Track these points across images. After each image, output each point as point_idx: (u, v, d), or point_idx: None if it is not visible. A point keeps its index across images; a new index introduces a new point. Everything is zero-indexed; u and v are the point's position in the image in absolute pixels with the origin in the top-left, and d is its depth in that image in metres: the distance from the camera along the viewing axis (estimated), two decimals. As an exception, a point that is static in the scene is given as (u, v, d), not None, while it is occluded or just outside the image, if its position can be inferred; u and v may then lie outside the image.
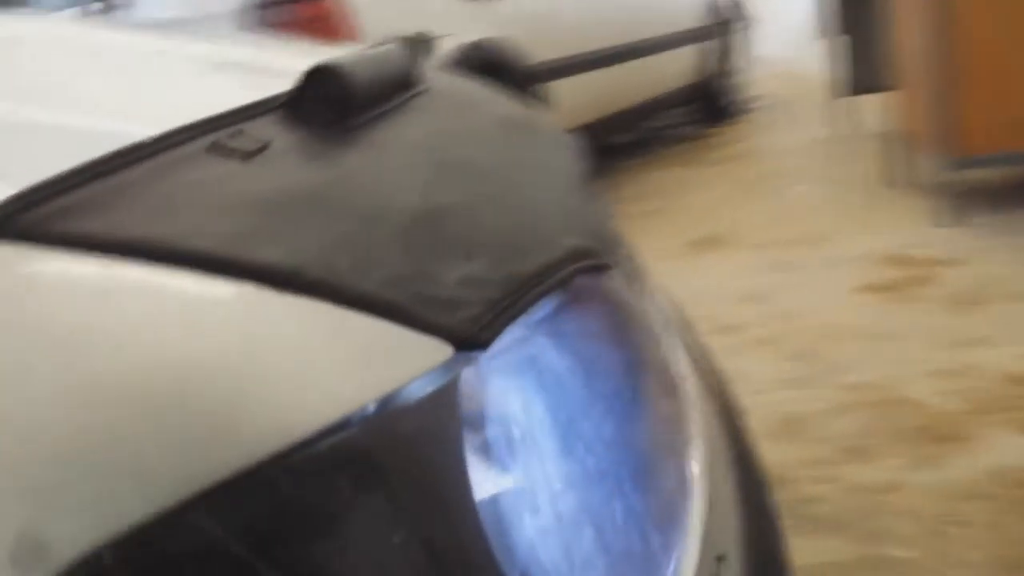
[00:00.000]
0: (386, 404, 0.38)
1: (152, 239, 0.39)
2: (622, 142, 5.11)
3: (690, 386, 0.70)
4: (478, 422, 0.42)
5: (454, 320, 0.41)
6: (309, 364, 0.37)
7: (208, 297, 0.38)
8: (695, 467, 0.58)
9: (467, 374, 0.41)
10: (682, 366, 0.71)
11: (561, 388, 0.47)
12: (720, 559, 0.54)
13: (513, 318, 0.44)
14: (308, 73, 0.59)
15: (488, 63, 3.33)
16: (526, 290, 0.47)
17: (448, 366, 0.40)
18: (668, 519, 0.49)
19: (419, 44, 1.13)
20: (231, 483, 0.34)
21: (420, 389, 0.39)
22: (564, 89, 3.82)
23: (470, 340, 0.41)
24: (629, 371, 0.55)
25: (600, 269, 0.60)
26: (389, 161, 0.57)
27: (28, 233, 0.37)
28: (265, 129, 0.53)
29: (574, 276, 0.54)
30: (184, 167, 0.46)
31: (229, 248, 0.40)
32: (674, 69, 4.90)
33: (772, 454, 1.79)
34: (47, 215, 0.38)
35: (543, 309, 0.50)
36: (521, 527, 0.41)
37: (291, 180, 0.48)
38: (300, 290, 0.39)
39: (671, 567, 0.47)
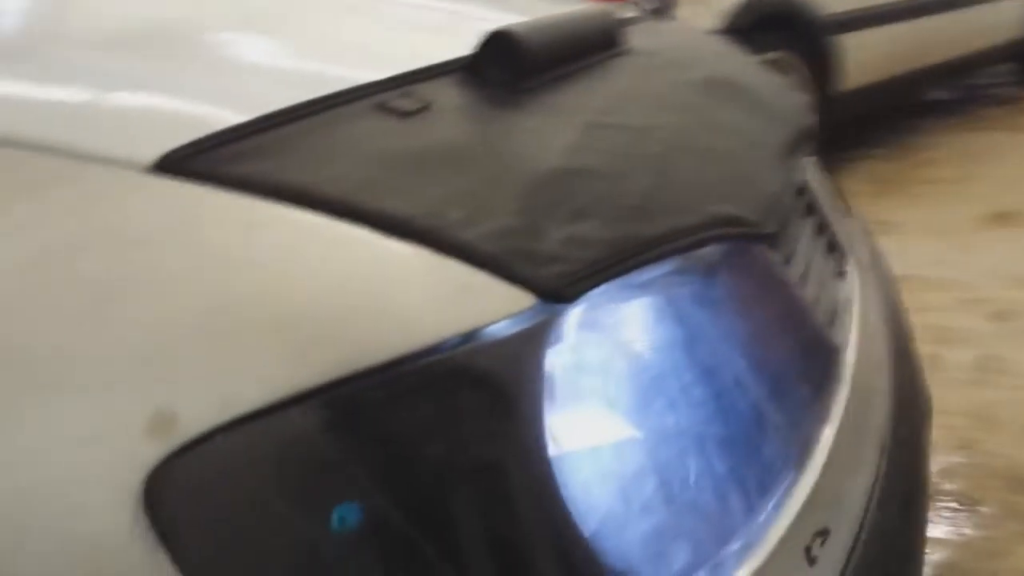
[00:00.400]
0: (468, 339, 0.43)
1: (295, 184, 0.46)
2: (936, 99, 4.72)
3: (855, 372, 0.69)
4: (558, 367, 0.46)
5: (543, 274, 0.46)
6: (407, 299, 0.44)
7: (334, 236, 0.45)
8: (816, 446, 0.58)
9: (552, 322, 0.46)
10: (848, 351, 0.70)
11: (654, 348, 0.50)
12: (821, 534, 0.55)
13: (607, 278, 0.48)
14: (486, 39, 0.64)
15: (777, 15, 3.21)
16: (633, 252, 0.50)
17: (530, 314, 0.45)
18: (755, 488, 0.51)
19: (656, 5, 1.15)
20: (330, 385, 0.41)
21: (502, 330, 0.44)
22: (868, 41, 3.59)
23: (555, 293, 0.46)
24: (749, 342, 0.56)
25: (746, 238, 0.61)
26: (544, 123, 0.61)
27: (200, 173, 0.46)
28: (434, 90, 0.60)
29: (703, 243, 0.56)
30: (348, 123, 0.54)
31: (357, 196, 0.47)
32: (996, 22, 4.43)
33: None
34: (219, 158, 0.47)
35: (655, 271, 0.53)
36: (582, 469, 0.45)
37: (435, 138, 0.54)
38: (408, 236, 0.45)
39: (744, 530, 0.49)
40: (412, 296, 0.44)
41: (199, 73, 0.61)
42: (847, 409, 0.65)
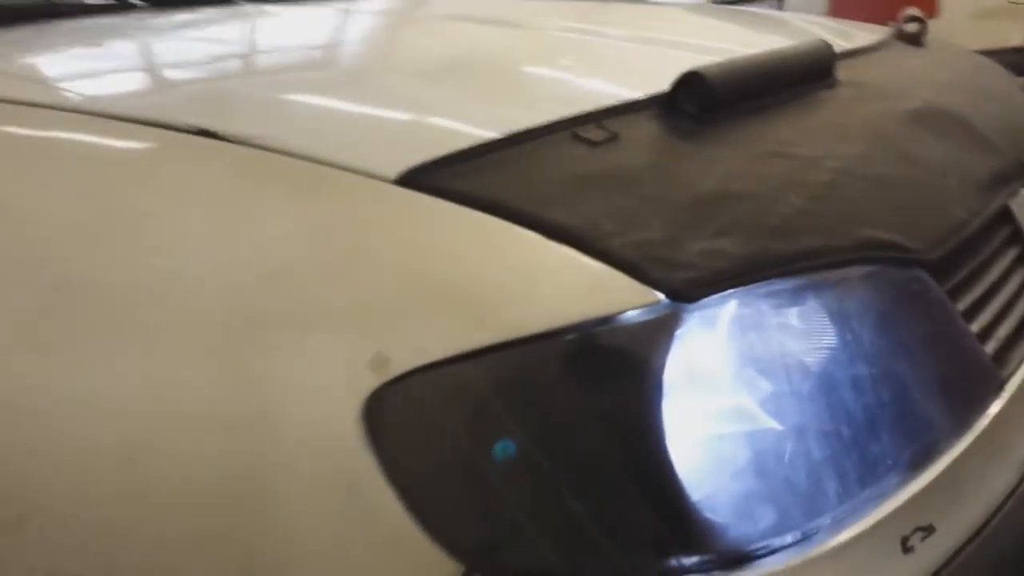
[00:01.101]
0: (598, 323, 0.56)
1: (495, 198, 0.61)
2: None
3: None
4: (680, 355, 0.57)
5: (670, 277, 0.57)
6: (556, 288, 0.57)
7: (513, 237, 0.60)
8: (941, 454, 0.64)
9: (676, 316, 0.57)
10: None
11: (770, 356, 0.60)
12: (925, 530, 0.61)
13: (731, 286, 0.58)
14: (679, 78, 0.76)
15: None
16: (763, 267, 0.60)
17: (655, 309, 0.57)
18: (856, 477, 0.59)
19: (906, 32, 1.19)
20: (496, 347, 0.55)
21: (628, 319, 0.56)
22: None
23: (679, 294, 0.57)
24: (879, 358, 0.64)
25: (896, 263, 0.68)
26: (717, 152, 0.72)
27: (426, 186, 0.62)
28: (625, 123, 0.73)
29: (841, 264, 0.64)
30: (547, 149, 0.68)
31: (537, 208, 0.61)
32: None
33: None
34: (442, 175, 0.63)
35: (789, 285, 0.62)
36: (688, 437, 0.56)
37: (612, 163, 0.67)
38: (567, 241, 0.59)
39: (841, 511, 0.58)
40: (561, 287, 0.57)
41: (449, 101, 0.79)
42: (991, 429, 0.69)
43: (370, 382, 0.56)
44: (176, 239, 0.64)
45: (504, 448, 0.58)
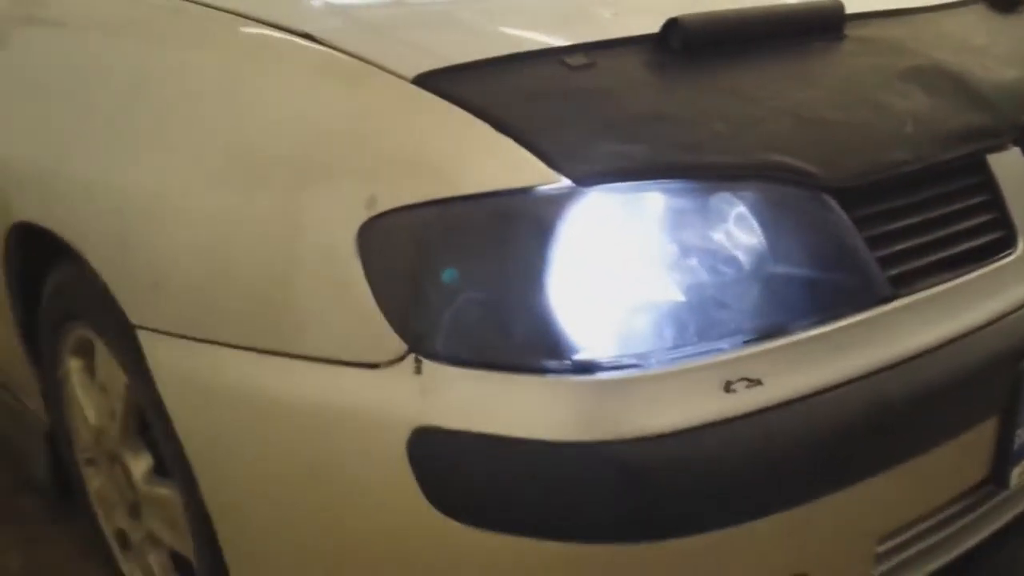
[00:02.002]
0: (517, 192, 0.79)
1: (477, 101, 0.85)
2: None
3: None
4: (573, 225, 0.80)
5: (573, 166, 0.79)
6: (493, 165, 0.81)
7: (472, 128, 0.83)
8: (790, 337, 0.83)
9: (572, 196, 0.79)
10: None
11: (651, 234, 0.81)
12: (752, 381, 0.80)
13: (623, 180, 0.80)
14: (667, 22, 0.95)
15: None
16: (655, 173, 0.81)
17: (559, 188, 0.79)
18: (697, 327, 0.80)
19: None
20: (439, 201, 0.81)
21: (538, 192, 0.79)
22: None
23: (578, 179, 0.79)
24: (743, 253, 0.83)
25: (796, 185, 0.86)
26: (670, 84, 0.91)
27: (434, 87, 0.87)
28: (609, 55, 0.93)
29: (735, 179, 0.83)
30: (532, 68, 0.91)
31: (500, 110, 0.84)
32: None
33: None
34: (447, 81, 0.88)
35: (676, 186, 0.82)
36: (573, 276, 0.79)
37: (578, 83, 0.88)
38: (509, 134, 0.82)
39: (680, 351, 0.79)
40: (498, 165, 0.81)
41: (471, 24, 1.02)
42: (861, 325, 0.86)
43: (364, 215, 0.83)
44: (264, 105, 0.94)
45: (451, 275, 0.83)
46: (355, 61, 0.93)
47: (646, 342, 0.80)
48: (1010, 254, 1.02)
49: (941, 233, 0.97)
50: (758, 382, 0.81)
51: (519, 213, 0.80)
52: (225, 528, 1.01)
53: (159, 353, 1.00)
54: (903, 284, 0.92)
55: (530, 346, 0.80)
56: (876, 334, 0.88)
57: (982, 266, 0.99)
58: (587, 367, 0.79)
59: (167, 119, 1.03)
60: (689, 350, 0.81)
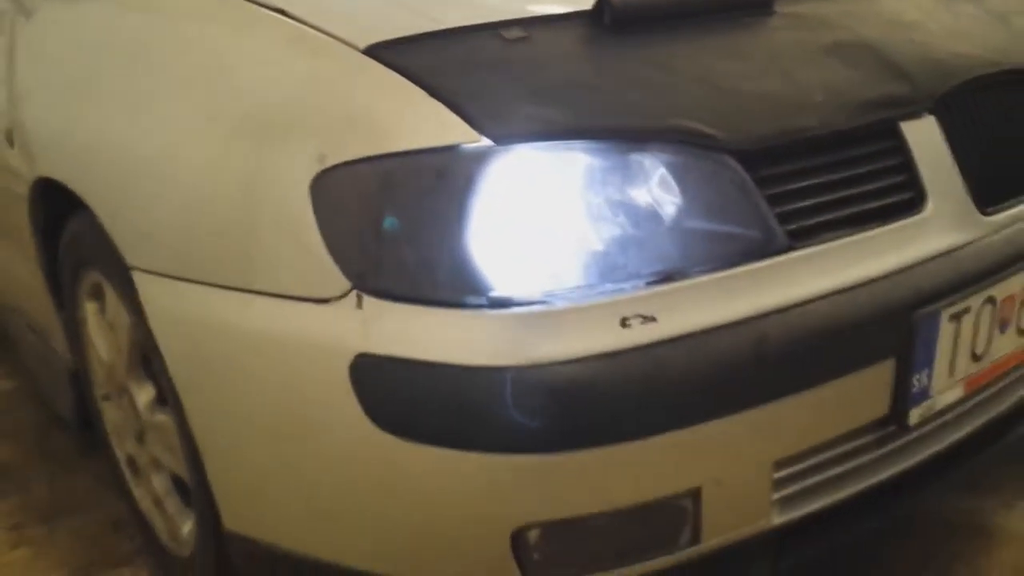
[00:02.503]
0: (443, 149, 0.91)
1: (417, 70, 0.96)
2: None
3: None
4: (494, 179, 0.91)
5: (493, 127, 0.91)
6: (424, 127, 0.93)
7: (411, 93, 0.95)
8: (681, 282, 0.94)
9: (492, 154, 0.90)
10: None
11: (564, 189, 0.92)
12: (645, 319, 0.91)
13: (537, 140, 0.91)
14: (597, 1, 1.05)
15: None
16: (569, 134, 0.92)
17: (481, 146, 0.91)
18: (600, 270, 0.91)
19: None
20: (378, 156, 0.93)
21: (462, 150, 0.91)
22: None
23: (497, 139, 0.91)
24: (645, 209, 0.94)
25: (699, 147, 0.96)
26: (597, 55, 1.02)
27: (381, 58, 0.98)
28: (541, 29, 1.04)
29: (643, 140, 0.94)
30: (470, 41, 1.02)
31: (436, 79, 0.95)
32: None
33: None
34: (398, 50, 0.99)
35: (587, 146, 0.93)
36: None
37: (507, 54, 0.99)
38: (440, 99, 0.93)
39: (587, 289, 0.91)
40: (429, 126, 0.93)
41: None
42: (754, 273, 0.97)
43: (315, 168, 0.96)
44: (240, 71, 1.07)
45: (390, 222, 0.95)
46: (318, 34, 1.05)
47: (554, 282, 0.92)
48: (917, 213, 1.12)
49: (847, 192, 1.07)
50: (652, 319, 0.93)
51: (445, 168, 0.92)
52: (207, 448, 1.15)
53: (150, 291, 1.14)
54: (801, 238, 1.02)
55: (454, 284, 0.92)
56: (770, 281, 0.99)
57: (887, 223, 1.09)
58: (502, 303, 0.91)
59: (160, 84, 1.16)
60: (591, 290, 0.92)
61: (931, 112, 1.14)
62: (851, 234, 1.05)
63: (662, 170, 0.97)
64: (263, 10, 1.12)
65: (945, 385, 1.13)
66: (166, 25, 1.24)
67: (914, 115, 1.13)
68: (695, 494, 0.99)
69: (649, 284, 0.94)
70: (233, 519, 1.16)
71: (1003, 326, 1.19)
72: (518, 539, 0.96)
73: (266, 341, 1.02)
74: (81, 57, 1.34)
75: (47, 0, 1.52)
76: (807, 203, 1.04)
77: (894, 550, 1.50)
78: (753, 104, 1.04)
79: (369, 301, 0.94)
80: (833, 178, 1.06)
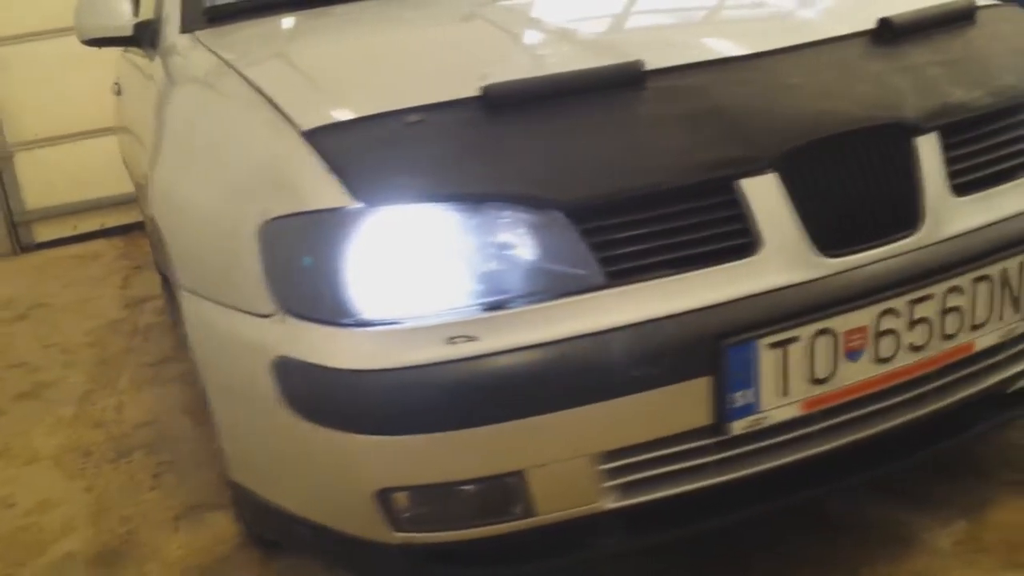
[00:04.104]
0: (330, 210, 1.25)
1: (330, 150, 1.31)
2: None
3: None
4: (366, 230, 1.24)
5: (367, 193, 1.24)
6: (322, 192, 1.27)
7: (317, 166, 1.29)
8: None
9: (364, 213, 1.23)
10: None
11: (424, 244, 1.23)
12: (469, 337, 1.20)
13: (403, 203, 1.23)
14: (483, 88, 1.35)
15: None
16: (426, 197, 1.23)
17: (357, 208, 1.24)
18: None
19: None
20: (285, 215, 1.29)
21: (345, 209, 1.25)
22: None
23: (369, 202, 1.23)
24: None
25: (532, 205, 1.24)
26: (473, 136, 1.31)
27: (310, 137, 1.34)
28: (440, 114, 1.35)
29: (476, 201, 1.24)
30: (378, 126, 1.35)
31: (336, 156, 1.29)
32: None
33: None
34: (324, 133, 1.34)
35: (442, 207, 1.24)
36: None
37: (401, 134, 1.32)
38: (334, 171, 1.27)
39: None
40: (324, 192, 1.27)
41: (351, 88, 1.47)
42: (567, 307, 1.23)
43: (260, 220, 1.33)
44: (229, 139, 1.48)
45: (308, 261, 1.31)
46: (281, 117, 1.42)
47: (405, 308, 1.25)
48: (749, 257, 1.32)
49: (675, 239, 1.30)
50: (474, 338, 1.22)
51: (331, 224, 1.26)
52: (215, 413, 1.58)
53: (184, 303, 1.57)
54: (621, 277, 1.27)
55: (337, 309, 1.26)
56: (585, 311, 1.25)
57: (717, 265, 1.30)
58: (367, 323, 1.25)
59: (190, 149, 1.59)
60: (431, 315, 1.24)
61: (773, 168, 1.34)
62: (672, 274, 1.28)
63: (497, 224, 1.26)
64: (257, 96, 1.51)
65: (776, 403, 1.33)
66: (198, 96, 1.67)
67: (754, 172, 1.33)
68: (519, 475, 1.27)
69: (476, 311, 1.24)
70: (232, 470, 1.57)
71: (852, 354, 1.36)
72: (382, 499, 1.29)
73: (237, 341, 1.41)
74: (159, 122, 1.81)
75: (145, 80, 2.02)
76: (633, 249, 1.28)
77: (803, 549, 1.67)
78: (591, 168, 1.30)
79: (288, 319, 1.30)
80: (663, 227, 1.30)
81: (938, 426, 1.58)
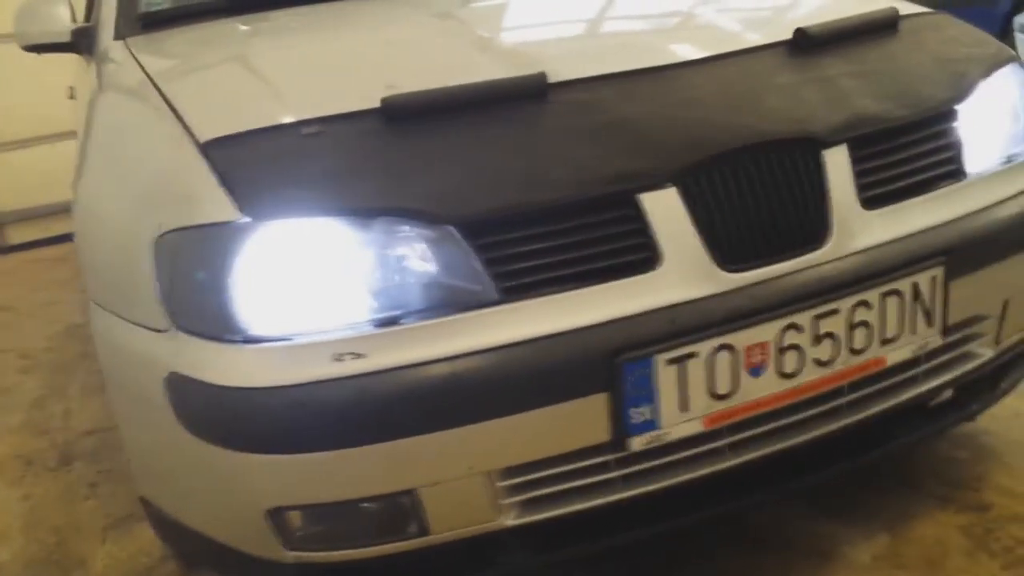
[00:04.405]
0: (219, 223, 1.23)
1: (223, 162, 1.30)
2: None
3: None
4: (254, 243, 1.22)
5: (252, 207, 1.22)
6: (211, 206, 1.25)
7: (210, 178, 1.28)
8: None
9: (252, 226, 1.22)
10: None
11: (311, 255, 1.22)
12: (353, 355, 1.19)
13: (287, 217, 1.21)
14: (382, 100, 1.33)
15: None
16: (311, 211, 1.21)
17: (243, 222, 1.22)
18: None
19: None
20: (176, 229, 1.27)
21: (233, 222, 1.23)
22: None
23: (255, 215, 1.22)
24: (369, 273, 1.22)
25: (423, 220, 1.23)
26: (368, 147, 1.30)
27: (206, 148, 1.32)
28: (336, 125, 1.33)
29: (362, 216, 1.22)
30: (274, 138, 1.33)
31: (227, 167, 1.28)
32: None
33: None
34: (220, 145, 1.32)
35: (326, 221, 1.22)
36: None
37: (294, 146, 1.30)
38: (222, 183, 1.26)
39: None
40: (214, 204, 1.25)
41: (250, 101, 1.46)
42: (465, 321, 1.22)
43: (155, 233, 1.31)
44: (139, 152, 1.46)
45: (198, 275, 1.29)
46: (183, 129, 1.40)
47: (291, 325, 1.23)
48: (649, 272, 1.30)
49: (574, 254, 1.28)
50: (362, 355, 1.20)
51: (218, 239, 1.25)
52: (120, 428, 1.56)
53: (91, 311, 1.55)
54: (515, 293, 1.25)
55: (222, 325, 1.24)
56: (477, 328, 1.23)
57: (616, 280, 1.28)
58: (256, 340, 1.23)
59: (105, 154, 1.58)
60: (317, 332, 1.22)
61: (674, 182, 1.32)
62: (569, 290, 1.27)
63: (388, 239, 1.24)
64: (166, 107, 1.49)
65: (677, 420, 1.31)
66: (120, 114, 1.65)
67: (654, 186, 1.31)
68: (412, 494, 1.25)
69: (366, 328, 1.22)
70: (139, 485, 1.55)
71: (754, 370, 1.34)
72: (274, 517, 1.28)
73: (135, 356, 1.39)
74: (89, 133, 1.80)
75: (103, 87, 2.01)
76: (528, 264, 1.27)
77: (727, 561, 1.65)
78: (487, 182, 1.28)
79: (179, 334, 1.28)
80: (561, 242, 1.28)
81: (859, 439, 1.58)
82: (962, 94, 1.56)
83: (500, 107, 1.38)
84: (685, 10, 1.82)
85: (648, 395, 1.29)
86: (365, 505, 1.26)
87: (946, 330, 1.48)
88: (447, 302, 1.25)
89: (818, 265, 1.37)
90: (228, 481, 1.28)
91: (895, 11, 1.65)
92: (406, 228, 1.25)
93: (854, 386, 1.46)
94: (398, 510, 1.27)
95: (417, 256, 1.25)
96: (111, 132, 1.67)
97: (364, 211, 1.25)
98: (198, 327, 1.26)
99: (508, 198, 1.28)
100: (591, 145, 1.34)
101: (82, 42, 2.26)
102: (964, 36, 1.69)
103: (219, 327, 1.25)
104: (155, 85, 1.59)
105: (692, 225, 1.32)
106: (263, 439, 1.23)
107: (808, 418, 1.44)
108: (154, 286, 1.31)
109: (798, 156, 1.39)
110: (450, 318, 1.24)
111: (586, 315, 1.27)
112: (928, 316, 1.46)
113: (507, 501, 1.31)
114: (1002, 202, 1.54)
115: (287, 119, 1.37)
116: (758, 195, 1.36)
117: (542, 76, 1.39)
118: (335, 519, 1.29)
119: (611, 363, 1.25)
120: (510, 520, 1.32)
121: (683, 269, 1.32)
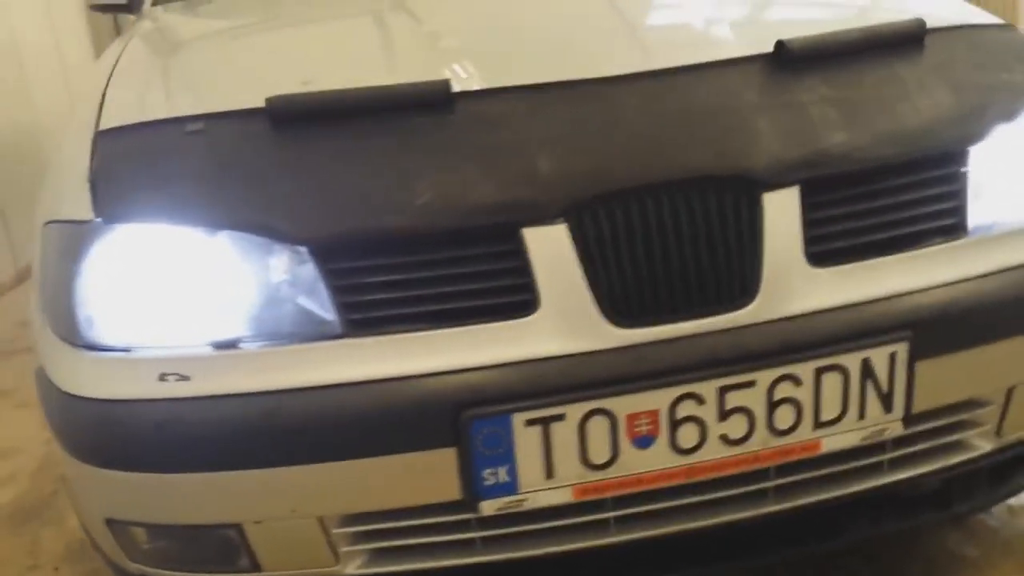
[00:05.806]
0: (79, 222, 1.18)
1: (102, 155, 1.24)
2: None
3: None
4: (105, 245, 1.16)
5: (103, 210, 1.15)
6: (80, 209, 1.20)
7: (82, 164, 1.23)
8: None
9: (102, 228, 1.16)
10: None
11: (166, 264, 1.15)
12: (183, 377, 1.11)
13: (133, 221, 1.14)
14: (267, 100, 1.23)
15: None
16: (166, 216, 1.14)
17: (96, 223, 1.16)
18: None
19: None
20: (61, 220, 1.23)
21: (89, 224, 1.17)
22: None
23: (105, 218, 1.15)
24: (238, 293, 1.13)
25: (279, 238, 1.13)
26: (251, 150, 1.20)
27: (97, 142, 1.27)
28: (219, 124, 1.24)
29: (231, 229, 1.13)
30: (156, 134, 1.26)
31: (105, 162, 1.22)
32: None
33: None
34: (110, 137, 1.27)
35: (183, 229, 1.14)
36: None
37: (175, 144, 1.22)
38: (88, 178, 1.20)
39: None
40: (77, 203, 1.20)
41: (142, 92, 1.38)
42: (317, 352, 1.11)
43: (42, 220, 1.28)
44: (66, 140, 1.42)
45: (56, 272, 1.25)
46: (98, 112, 1.35)
47: (128, 336, 1.16)
48: (523, 317, 1.14)
49: (437, 290, 1.14)
50: (187, 378, 1.12)
51: (72, 238, 1.20)
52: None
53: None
54: (364, 327, 1.13)
55: (69, 328, 1.19)
56: (314, 361, 1.12)
57: (481, 323, 1.13)
58: (94, 347, 1.18)
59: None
60: (151, 346, 1.15)
61: (565, 218, 1.14)
62: (424, 330, 1.13)
63: (234, 255, 1.15)
64: (104, 87, 1.45)
65: (540, 486, 1.15)
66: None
67: (540, 220, 1.14)
68: (237, 528, 1.17)
69: (200, 348, 1.14)
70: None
71: (640, 440, 1.16)
72: (112, 528, 1.24)
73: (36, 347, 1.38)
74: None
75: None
76: (383, 296, 1.14)
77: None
78: (353, 201, 1.15)
79: (46, 329, 1.25)
80: (424, 275, 1.14)
81: (815, 525, 1.36)
82: (977, 133, 1.27)
83: (393, 116, 1.23)
84: (661, 12, 1.59)
85: (504, 456, 1.14)
86: (192, 532, 1.20)
87: (909, 417, 1.23)
88: (291, 330, 1.14)
89: (734, 329, 1.17)
90: (75, 483, 1.26)
91: (922, 23, 1.36)
92: (256, 245, 1.15)
93: (783, 470, 1.25)
94: (224, 542, 1.20)
95: (263, 277, 1.15)
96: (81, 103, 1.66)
97: (213, 222, 1.16)
98: (53, 325, 1.23)
99: (364, 222, 1.15)
100: (480, 167, 1.18)
101: (135, 4, 2.30)
102: (1011, 59, 1.38)
103: (66, 329, 1.20)
104: (115, 61, 1.57)
105: (579, 267, 1.14)
106: (91, 451, 1.18)
107: (724, 499, 1.25)
108: (39, 281, 1.29)
109: (728, 197, 1.17)
110: (290, 347, 1.14)
111: (434, 360, 1.13)
112: (885, 399, 1.21)
113: (350, 548, 1.21)
114: (1010, 269, 1.26)
115: (178, 113, 1.30)
116: (668, 240, 1.15)
117: (445, 84, 1.24)
118: (172, 540, 1.23)
119: (457, 417, 1.11)
120: (352, 569, 1.21)
121: (561, 318, 1.14)
